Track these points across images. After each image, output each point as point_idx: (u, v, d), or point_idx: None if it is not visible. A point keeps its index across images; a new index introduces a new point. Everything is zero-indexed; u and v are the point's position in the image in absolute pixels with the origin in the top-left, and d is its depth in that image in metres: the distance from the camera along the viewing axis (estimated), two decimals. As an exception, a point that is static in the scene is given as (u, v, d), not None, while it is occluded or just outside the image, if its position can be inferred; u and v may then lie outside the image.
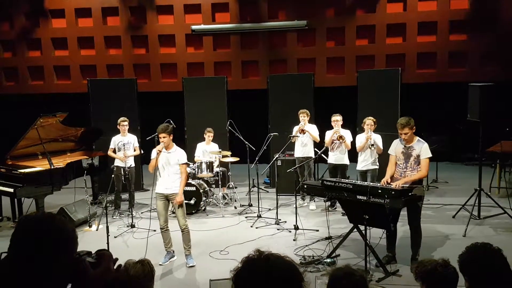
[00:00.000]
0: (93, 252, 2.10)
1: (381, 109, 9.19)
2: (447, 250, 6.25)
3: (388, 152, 6.04)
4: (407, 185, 5.58)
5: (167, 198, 6.18)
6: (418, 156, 5.67)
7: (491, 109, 7.22)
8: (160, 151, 6.06)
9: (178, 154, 6.20)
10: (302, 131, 8.39)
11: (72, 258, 1.90)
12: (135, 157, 8.67)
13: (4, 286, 1.81)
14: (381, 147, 7.66)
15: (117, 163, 8.32)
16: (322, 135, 8.45)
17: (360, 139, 7.77)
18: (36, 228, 1.80)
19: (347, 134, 8.11)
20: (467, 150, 11.62)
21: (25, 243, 1.79)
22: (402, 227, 6.00)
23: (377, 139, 7.68)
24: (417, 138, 5.80)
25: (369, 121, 7.66)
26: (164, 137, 6.04)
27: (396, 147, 5.91)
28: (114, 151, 8.41)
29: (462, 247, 2.75)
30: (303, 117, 8.46)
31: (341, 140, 7.95)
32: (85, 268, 1.96)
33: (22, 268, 1.77)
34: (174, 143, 6.22)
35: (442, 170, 10.45)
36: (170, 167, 6.13)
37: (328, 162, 8.28)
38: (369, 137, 7.57)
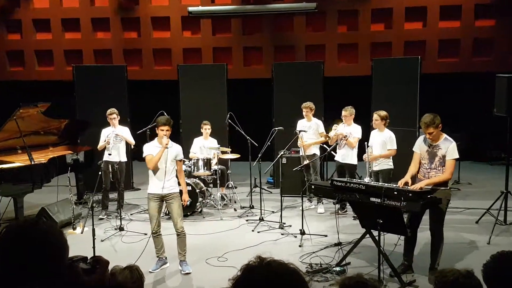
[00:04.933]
0: (88, 258, 2.12)
1: (398, 102, 9.17)
2: (469, 259, 6.25)
3: (413, 149, 5.98)
4: (429, 187, 5.56)
5: (163, 199, 6.13)
6: (444, 156, 5.60)
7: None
8: (166, 146, 5.96)
9: (176, 149, 6.18)
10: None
11: (65, 263, 1.91)
12: (126, 153, 8.63)
13: None
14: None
15: (106, 157, 8.16)
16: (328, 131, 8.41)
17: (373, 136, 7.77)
18: (20, 237, 1.82)
19: (356, 130, 8.05)
20: (493, 148, 11.60)
21: (11, 254, 1.80)
22: (420, 233, 5.99)
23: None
24: (444, 136, 5.70)
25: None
26: (167, 130, 5.98)
27: (420, 145, 5.86)
28: None
29: (487, 256, 2.74)
30: (307, 112, 8.46)
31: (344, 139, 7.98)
32: (77, 275, 1.97)
33: (12, 278, 1.79)
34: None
35: (465, 170, 10.42)
36: (169, 164, 6.06)
37: (335, 159, 8.27)
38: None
